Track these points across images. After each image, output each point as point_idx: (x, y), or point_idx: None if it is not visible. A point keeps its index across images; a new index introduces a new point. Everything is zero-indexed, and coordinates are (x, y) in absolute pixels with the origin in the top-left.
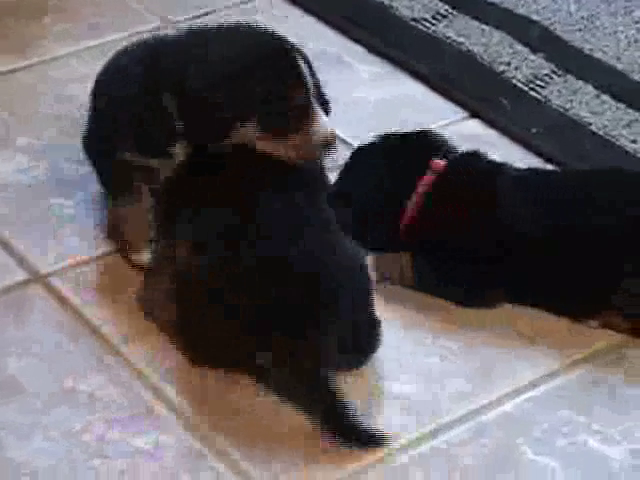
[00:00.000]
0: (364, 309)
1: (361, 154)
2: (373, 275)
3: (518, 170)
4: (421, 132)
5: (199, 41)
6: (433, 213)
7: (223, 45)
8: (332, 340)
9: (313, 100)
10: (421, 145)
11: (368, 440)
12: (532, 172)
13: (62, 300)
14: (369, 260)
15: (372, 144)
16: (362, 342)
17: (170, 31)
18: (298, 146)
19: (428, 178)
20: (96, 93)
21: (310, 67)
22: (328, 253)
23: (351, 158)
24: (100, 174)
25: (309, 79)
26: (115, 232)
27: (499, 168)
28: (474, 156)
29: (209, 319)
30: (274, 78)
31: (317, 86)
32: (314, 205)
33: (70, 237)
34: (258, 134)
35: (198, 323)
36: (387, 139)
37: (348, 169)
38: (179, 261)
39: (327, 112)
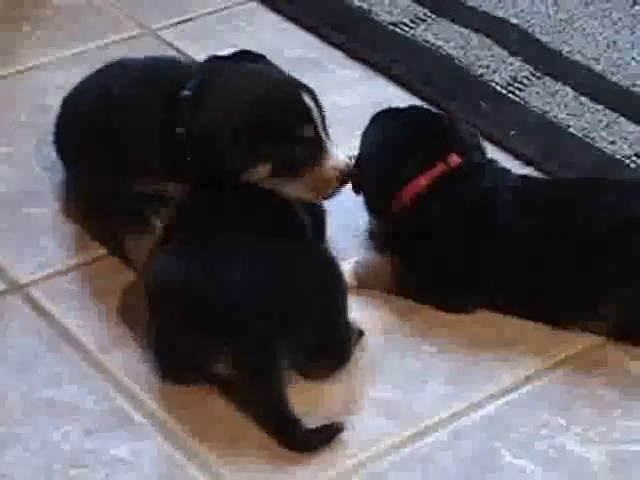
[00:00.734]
0: (333, 317)
1: (392, 116)
2: (351, 282)
3: (517, 178)
4: (454, 120)
5: (213, 81)
6: (430, 207)
7: (235, 89)
8: (290, 350)
9: (324, 136)
10: (446, 132)
11: (319, 442)
12: (526, 180)
13: (40, 310)
14: (350, 266)
15: (408, 109)
16: (334, 349)
17: (152, 41)
18: (314, 184)
19: (439, 169)
20: (111, 119)
21: (317, 102)
22: (285, 266)
23: (375, 118)
24: (110, 204)
25: (318, 116)
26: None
27: (505, 176)
28: (490, 163)
29: (170, 331)
30: (284, 120)
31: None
32: (280, 226)
33: (48, 246)
34: (272, 174)
35: (162, 336)
36: (422, 113)
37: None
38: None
39: None
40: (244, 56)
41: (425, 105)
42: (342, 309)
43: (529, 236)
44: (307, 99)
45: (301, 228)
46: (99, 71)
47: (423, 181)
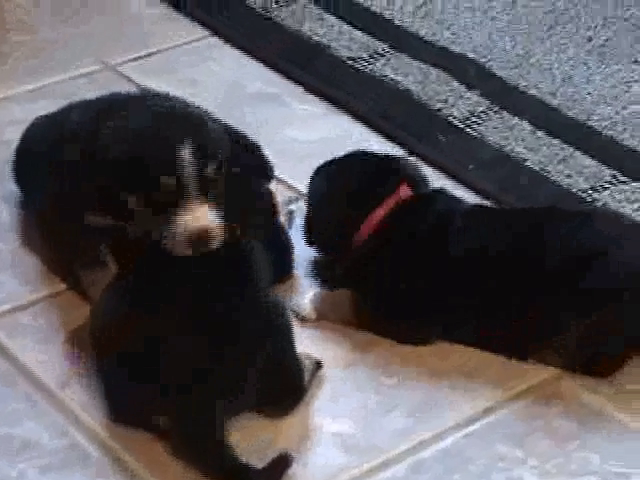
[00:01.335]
0: (279, 361)
1: (335, 163)
2: (311, 315)
3: (471, 207)
4: (396, 157)
5: (114, 115)
6: (389, 238)
7: (123, 122)
8: (234, 403)
9: (189, 191)
10: (393, 168)
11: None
12: (481, 210)
13: None
14: (309, 298)
15: (348, 156)
16: (286, 390)
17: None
18: (168, 234)
19: (393, 200)
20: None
21: (200, 155)
22: (224, 319)
23: (324, 165)
24: (64, 238)
25: (187, 169)
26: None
27: (457, 205)
28: (440, 193)
29: (112, 380)
30: (149, 163)
31: (253, 151)
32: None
33: (7, 282)
34: (142, 209)
35: (103, 381)
36: (365, 155)
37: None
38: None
39: (269, 177)
40: None
41: (384, 140)
42: (288, 350)
43: (481, 267)
44: (182, 152)
45: (248, 271)
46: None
47: (381, 213)
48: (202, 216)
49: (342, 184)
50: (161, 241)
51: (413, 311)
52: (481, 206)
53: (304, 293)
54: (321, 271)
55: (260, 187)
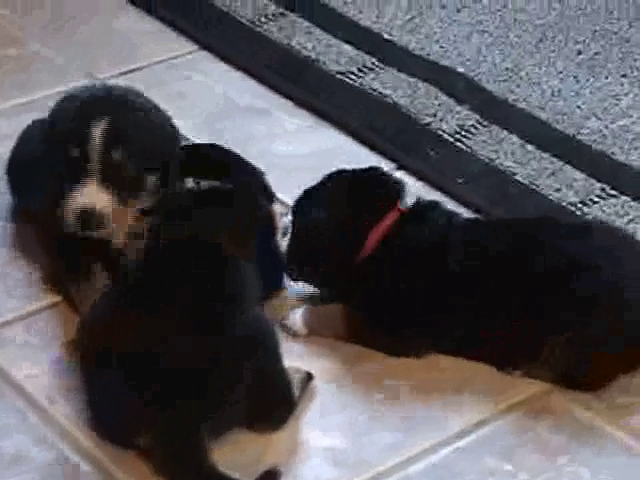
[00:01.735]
0: (266, 377)
1: (325, 185)
2: (302, 330)
3: (466, 219)
4: (378, 170)
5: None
6: (388, 254)
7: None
8: (219, 421)
9: (88, 168)
10: (385, 185)
11: None
12: (477, 222)
13: None
14: (300, 314)
15: (334, 176)
16: (275, 404)
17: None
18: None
19: (394, 215)
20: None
21: (112, 134)
22: (210, 336)
23: (317, 186)
24: (54, 248)
25: (91, 145)
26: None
27: (452, 218)
28: (435, 205)
29: (95, 397)
30: (63, 132)
31: (254, 174)
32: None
33: None
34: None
35: (89, 400)
36: (347, 173)
37: (310, 193)
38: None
39: (271, 200)
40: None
41: (373, 153)
42: (276, 365)
43: (475, 278)
44: (96, 129)
45: (234, 287)
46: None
47: (383, 228)
48: (92, 194)
49: (339, 205)
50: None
51: (412, 322)
52: (477, 218)
53: (294, 308)
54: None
55: (258, 204)
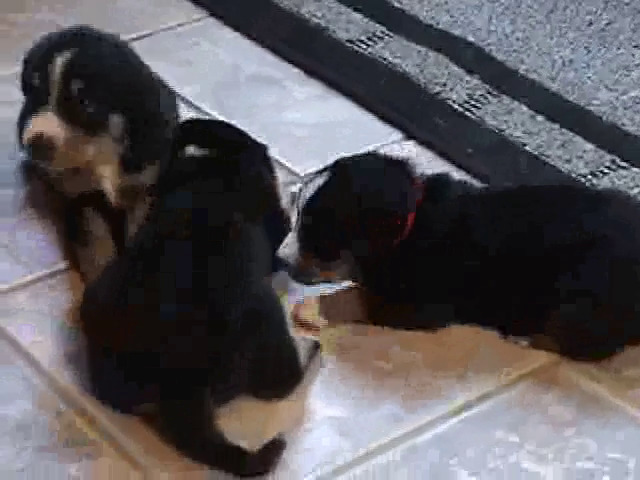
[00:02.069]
0: (273, 344)
1: (340, 171)
2: (321, 321)
3: (481, 191)
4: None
5: None
6: (420, 234)
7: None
8: (224, 387)
9: (50, 96)
10: (408, 167)
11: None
12: (491, 193)
13: None
14: (317, 304)
15: (349, 162)
16: (282, 373)
17: None
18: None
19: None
20: None
21: (78, 67)
22: (213, 304)
23: (330, 175)
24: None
25: (52, 74)
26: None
27: (468, 190)
28: (446, 178)
29: (98, 365)
30: (32, 60)
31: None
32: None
33: (1, 263)
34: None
35: (92, 368)
36: (365, 157)
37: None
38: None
39: (272, 173)
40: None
41: (381, 122)
42: (281, 334)
43: (492, 249)
44: (59, 59)
45: (239, 256)
46: None
47: (417, 205)
48: (45, 122)
49: (379, 190)
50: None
51: (436, 294)
52: (490, 189)
53: (309, 297)
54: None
55: (259, 173)
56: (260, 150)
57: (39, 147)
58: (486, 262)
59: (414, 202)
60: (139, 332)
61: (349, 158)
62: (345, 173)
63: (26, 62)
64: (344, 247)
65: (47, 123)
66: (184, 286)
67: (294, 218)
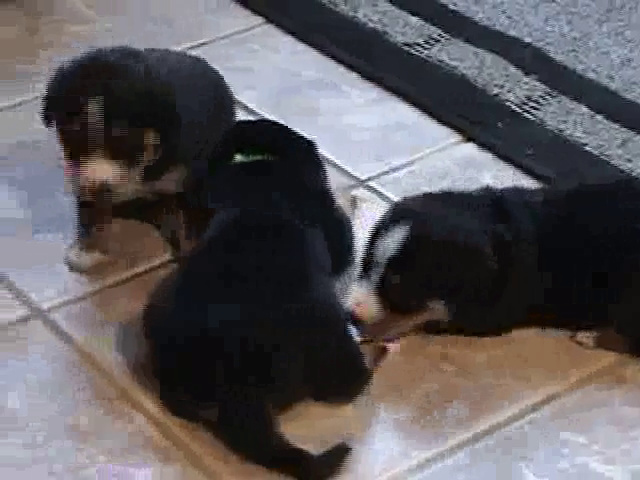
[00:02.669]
0: (335, 350)
1: (413, 221)
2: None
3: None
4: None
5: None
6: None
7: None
8: (276, 391)
9: (94, 141)
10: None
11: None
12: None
13: (62, 335)
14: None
15: (412, 207)
16: (347, 377)
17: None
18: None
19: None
20: None
21: (114, 111)
22: (279, 307)
23: (403, 227)
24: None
25: (91, 121)
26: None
27: (523, 195)
28: (500, 194)
29: (158, 369)
30: (64, 105)
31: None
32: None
33: (69, 272)
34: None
35: (156, 371)
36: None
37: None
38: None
39: (321, 170)
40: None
41: (440, 125)
42: (343, 339)
43: (566, 251)
44: (90, 105)
45: (303, 260)
46: None
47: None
48: (96, 170)
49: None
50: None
51: (522, 313)
52: (546, 191)
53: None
54: None
55: (308, 174)
56: (309, 148)
57: (99, 192)
58: (563, 266)
59: (494, 231)
60: (202, 338)
61: (406, 202)
62: (420, 223)
63: (50, 100)
64: (434, 297)
65: (100, 169)
66: (246, 291)
67: (362, 265)
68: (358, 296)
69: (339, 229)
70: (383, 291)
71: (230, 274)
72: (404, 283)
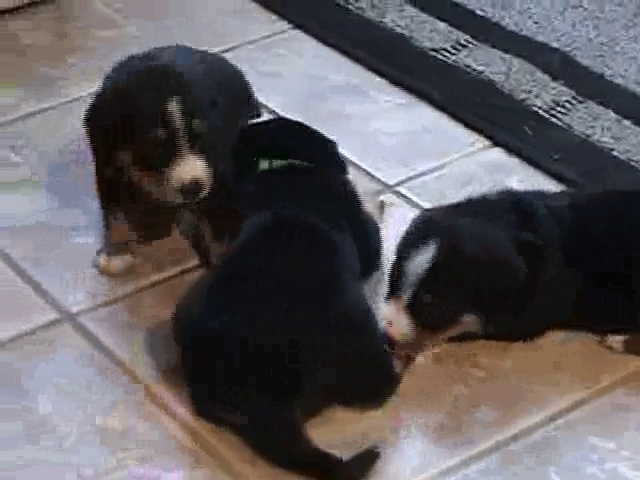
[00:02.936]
0: (366, 356)
1: (442, 237)
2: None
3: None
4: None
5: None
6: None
7: (114, 86)
8: (314, 397)
9: (182, 141)
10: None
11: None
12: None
13: (91, 338)
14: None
15: (435, 221)
16: (374, 386)
17: None
18: (163, 185)
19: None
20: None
21: (187, 109)
22: (308, 314)
23: (433, 244)
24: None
25: (176, 122)
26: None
27: (546, 199)
28: (520, 197)
29: (189, 372)
30: (140, 115)
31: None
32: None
33: (98, 276)
34: (134, 164)
35: (186, 375)
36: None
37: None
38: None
39: (343, 170)
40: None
41: (468, 130)
42: (373, 345)
43: (586, 246)
44: (171, 105)
45: (333, 265)
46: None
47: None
48: (193, 168)
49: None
50: (153, 193)
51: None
52: (567, 195)
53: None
54: None
55: (335, 177)
56: (331, 149)
57: (194, 191)
58: (591, 270)
59: (521, 238)
60: (232, 342)
61: (429, 215)
62: (447, 239)
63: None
64: (467, 312)
65: (194, 168)
66: (279, 295)
67: (391, 283)
68: (390, 315)
69: (366, 233)
70: (415, 309)
71: (262, 278)
72: (436, 301)
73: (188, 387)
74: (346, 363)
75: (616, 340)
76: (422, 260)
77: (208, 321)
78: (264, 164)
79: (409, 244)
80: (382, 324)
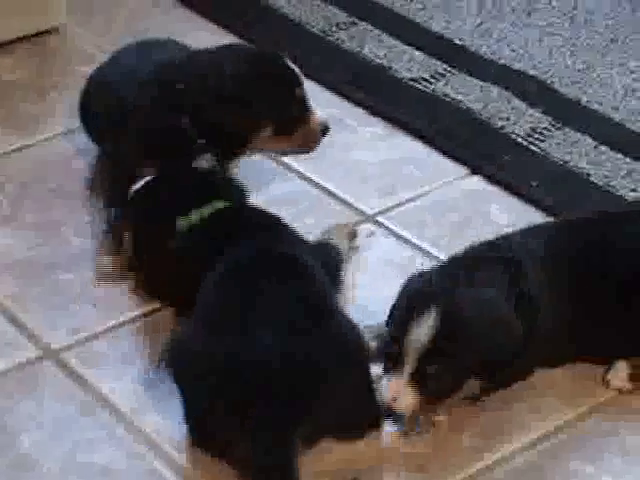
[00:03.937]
0: (356, 389)
1: (442, 306)
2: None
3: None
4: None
5: (205, 63)
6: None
7: (228, 64)
8: (311, 431)
9: (306, 95)
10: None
11: None
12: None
13: (74, 374)
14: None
15: (432, 289)
16: (363, 418)
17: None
18: (302, 139)
19: None
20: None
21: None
22: (300, 348)
23: (433, 313)
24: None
25: (302, 78)
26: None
27: (526, 248)
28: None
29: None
30: (281, 87)
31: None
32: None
33: (79, 311)
34: (270, 137)
35: (186, 406)
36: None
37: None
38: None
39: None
40: None
41: (447, 159)
42: (364, 378)
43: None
44: (291, 63)
45: (319, 294)
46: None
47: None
48: (399, 392)
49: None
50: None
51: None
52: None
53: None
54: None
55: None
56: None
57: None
58: (586, 304)
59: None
60: (232, 374)
61: (420, 282)
62: (445, 309)
63: None
64: (470, 377)
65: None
66: (274, 324)
67: (391, 355)
68: (393, 389)
69: (326, 254)
70: (419, 382)
71: (253, 312)
72: (440, 372)
73: (188, 419)
74: (341, 394)
75: (619, 378)
76: (422, 331)
77: (207, 353)
78: (194, 216)
79: (406, 316)
80: (385, 398)
